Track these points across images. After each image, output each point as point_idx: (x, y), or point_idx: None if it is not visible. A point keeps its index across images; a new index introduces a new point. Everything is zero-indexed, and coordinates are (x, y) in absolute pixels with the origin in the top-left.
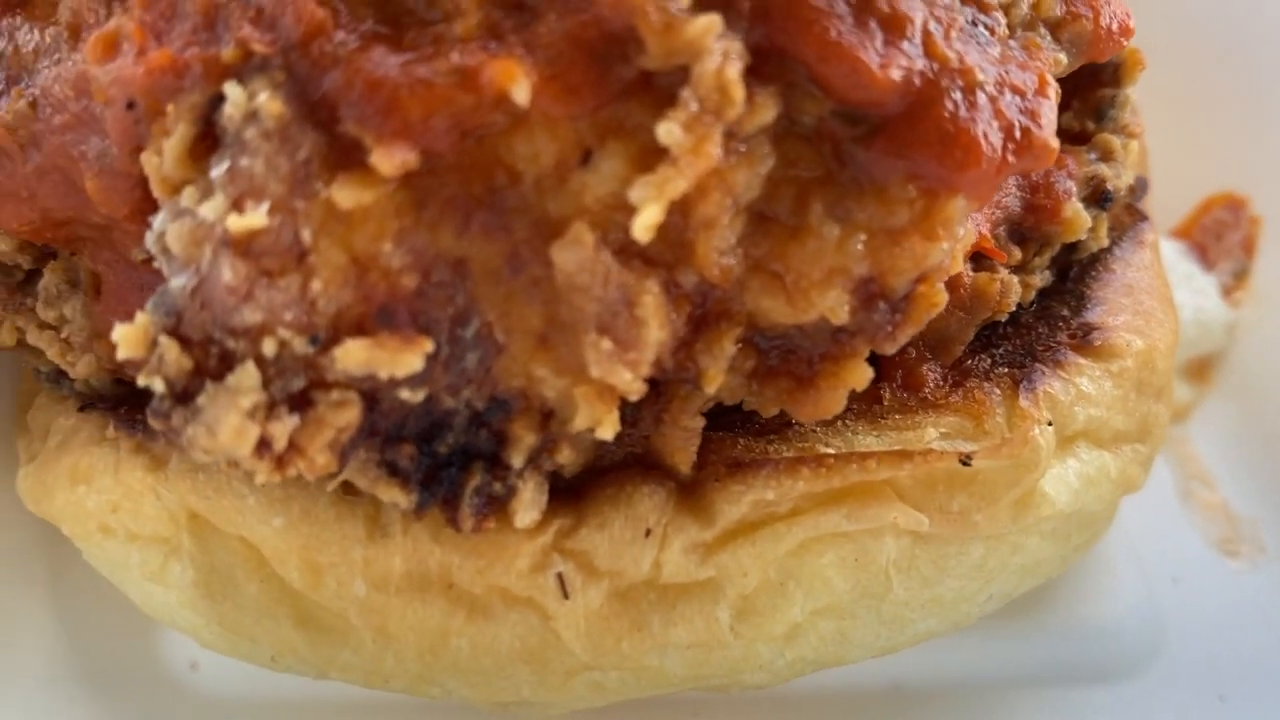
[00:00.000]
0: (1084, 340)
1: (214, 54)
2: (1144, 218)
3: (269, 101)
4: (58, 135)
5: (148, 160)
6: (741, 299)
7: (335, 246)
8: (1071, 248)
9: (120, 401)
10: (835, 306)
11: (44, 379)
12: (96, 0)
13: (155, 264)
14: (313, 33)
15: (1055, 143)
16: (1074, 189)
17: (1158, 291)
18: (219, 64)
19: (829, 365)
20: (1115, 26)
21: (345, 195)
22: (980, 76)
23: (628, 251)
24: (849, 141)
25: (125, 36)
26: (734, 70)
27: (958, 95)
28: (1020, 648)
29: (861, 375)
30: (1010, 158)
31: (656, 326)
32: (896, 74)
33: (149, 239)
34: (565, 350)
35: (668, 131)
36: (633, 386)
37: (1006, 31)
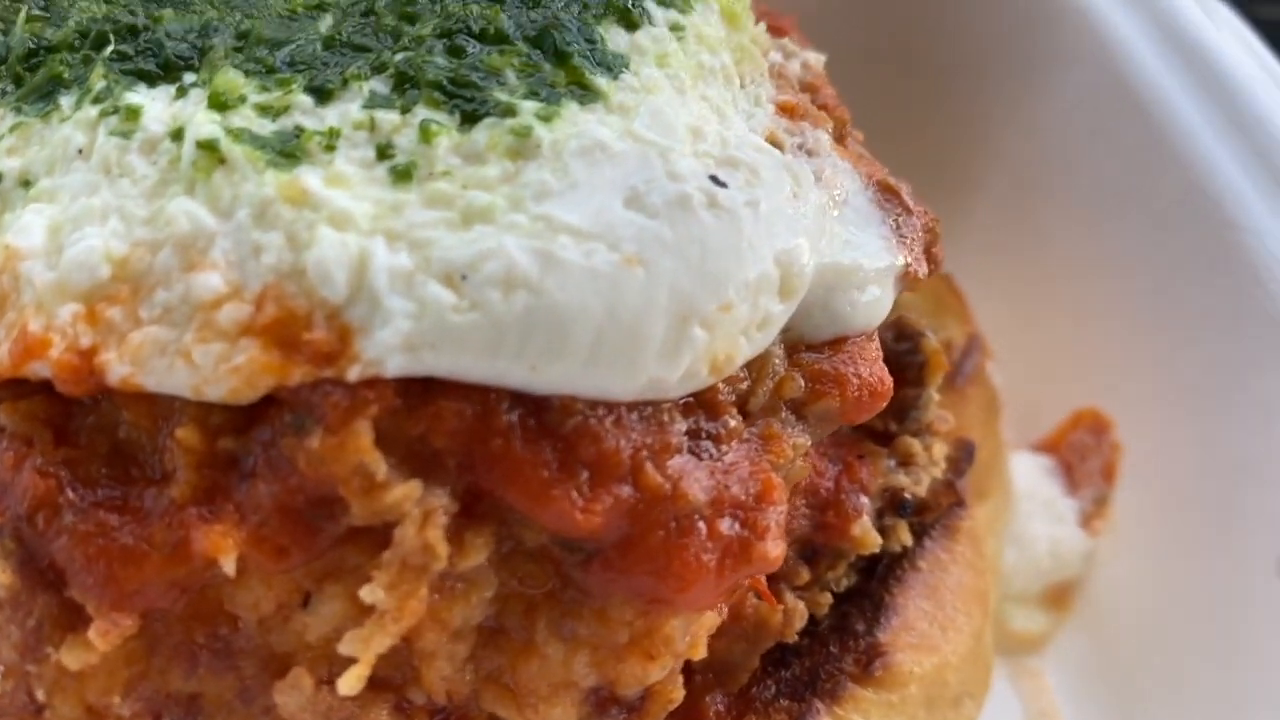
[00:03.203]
0: (865, 671)
1: None
2: (960, 501)
3: (0, 573)
4: None
5: None
6: (479, 704)
7: (68, 702)
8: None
9: None
10: (564, 719)
11: None
12: None
13: None
14: (37, 505)
15: (778, 550)
16: (865, 505)
17: (965, 586)
18: None
19: None
20: (866, 395)
21: (72, 658)
22: (695, 500)
23: None
24: (568, 565)
25: None
26: (435, 531)
27: (670, 523)
28: None
29: None
30: (729, 573)
31: None
32: (599, 518)
33: None
34: None
35: (370, 592)
36: None
37: (740, 425)
